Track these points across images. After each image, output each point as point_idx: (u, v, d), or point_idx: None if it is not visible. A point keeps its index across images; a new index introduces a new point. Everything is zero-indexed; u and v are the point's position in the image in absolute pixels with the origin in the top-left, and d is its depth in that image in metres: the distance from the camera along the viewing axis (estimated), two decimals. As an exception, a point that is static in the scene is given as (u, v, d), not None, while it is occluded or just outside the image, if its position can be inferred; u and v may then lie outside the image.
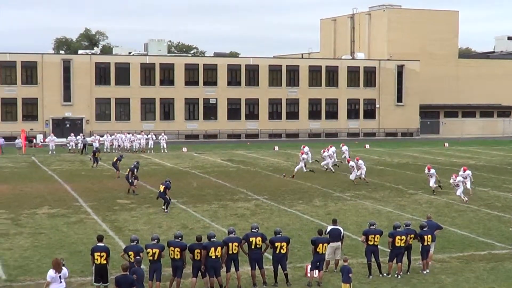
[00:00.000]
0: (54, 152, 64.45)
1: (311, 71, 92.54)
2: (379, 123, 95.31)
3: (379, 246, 22.57)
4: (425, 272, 22.82)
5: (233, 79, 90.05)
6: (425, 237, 22.76)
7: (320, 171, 49.88)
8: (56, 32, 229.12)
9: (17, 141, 65.96)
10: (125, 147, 67.65)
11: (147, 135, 69.33)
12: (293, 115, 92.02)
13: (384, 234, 23.00)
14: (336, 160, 52.12)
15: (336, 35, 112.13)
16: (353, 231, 28.50)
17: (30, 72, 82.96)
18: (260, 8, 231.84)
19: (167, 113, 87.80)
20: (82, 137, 67.81)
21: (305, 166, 47.67)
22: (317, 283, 21.39)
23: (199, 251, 20.39)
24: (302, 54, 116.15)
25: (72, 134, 69.31)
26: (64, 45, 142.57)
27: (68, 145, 67.76)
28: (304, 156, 48.63)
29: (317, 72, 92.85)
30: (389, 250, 22.48)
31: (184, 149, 68.34)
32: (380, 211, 34.54)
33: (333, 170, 50.09)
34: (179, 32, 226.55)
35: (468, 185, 38.73)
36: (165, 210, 33.42)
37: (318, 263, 21.45)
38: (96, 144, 64.14)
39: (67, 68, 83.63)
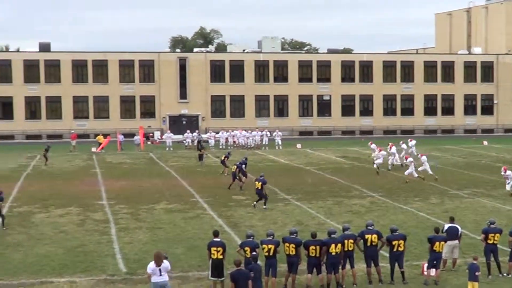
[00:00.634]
0: (171, 149, 65.85)
1: (426, 67, 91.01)
2: (497, 119, 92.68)
3: (498, 245, 22.04)
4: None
5: (347, 76, 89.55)
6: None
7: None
8: (172, 31, 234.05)
9: (135, 138, 67.77)
10: (240, 144, 68.46)
11: (262, 132, 69.85)
12: (408, 111, 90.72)
13: (504, 233, 22.43)
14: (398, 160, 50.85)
15: (452, 29, 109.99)
16: (471, 230, 27.86)
17: (147, 71, 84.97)
18: (373, 3, 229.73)
19: (281, 110, 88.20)
20: (198, 133, 68.99)
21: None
22: (434, 282, 21.08)
23: (314, 247, 20.41)
24: (417, 50, 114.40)
25: (188, 131, 70.68)
26: (180, 43, 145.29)
27: (184, 141, 69.14)
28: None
29: (433, 68, 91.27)
30: (509, 250, 21.91)
31: (299, 146, 68.45)
32: (499, 209, 33.65)
33: (389, 168, 49.06)
34: (292, 29, 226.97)
35: None
36: (264, 207, 33.54)
37: (435, 262, 21.13)
38: (211, 142, 64.99)
39: (183, 66, 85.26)
